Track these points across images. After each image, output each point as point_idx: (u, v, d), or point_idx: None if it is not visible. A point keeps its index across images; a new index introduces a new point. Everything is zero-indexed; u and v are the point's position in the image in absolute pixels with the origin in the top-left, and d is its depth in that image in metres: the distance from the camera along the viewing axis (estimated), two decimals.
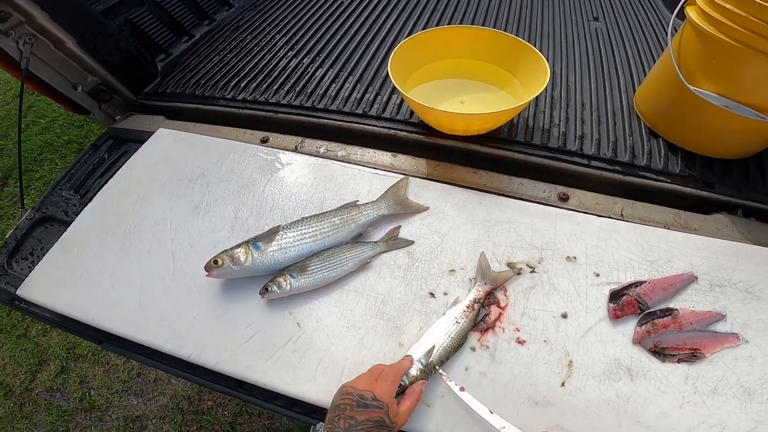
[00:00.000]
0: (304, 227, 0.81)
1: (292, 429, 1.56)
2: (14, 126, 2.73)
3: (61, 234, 0.92)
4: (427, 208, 0.87)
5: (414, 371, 0.66)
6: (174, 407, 1.61)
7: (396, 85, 0.88)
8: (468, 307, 0.73)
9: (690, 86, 0.85)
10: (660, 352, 0.69)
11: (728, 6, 0.76)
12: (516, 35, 0.98)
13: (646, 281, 0.75)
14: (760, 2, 0.71)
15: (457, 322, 0.71)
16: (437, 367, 0.67)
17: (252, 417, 1.59)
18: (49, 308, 0.83)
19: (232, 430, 1.56)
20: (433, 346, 0.68)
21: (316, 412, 0.71)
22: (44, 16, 0.98)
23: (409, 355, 0.68)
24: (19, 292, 0.85)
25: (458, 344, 0.70)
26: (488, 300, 0.75)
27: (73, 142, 2.56)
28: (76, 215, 0.95)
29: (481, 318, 0.74)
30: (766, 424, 0.61)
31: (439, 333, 0.70)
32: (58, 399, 1.66)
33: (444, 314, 0.73)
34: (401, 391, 0.63)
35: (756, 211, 0.87)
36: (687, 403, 0.64)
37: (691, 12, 0.86)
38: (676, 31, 0.93)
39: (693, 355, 0.68)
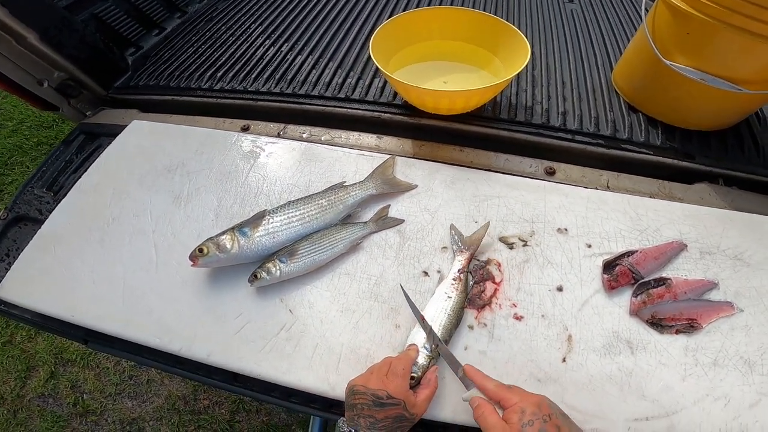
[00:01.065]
0: (291, 210, 0.74)
1: (290, 424, 1.49)
2: None
3: (36, 233, 0.83)
4: (416, 186, 0.82)
5: (422, 359, 0.60)
6: (170, 408, 1.53)
7: (378, 66, 0.82)
8: (455, 279, 0.68)
9: (666, 61, 0.82)
10: (657, 323, 0.65)
11: None
12: None
13: (637, 251, 0.71)
14: None
15: (448, 297, 0.66)
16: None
17: (250, 414, 1.52)
18: (29, 308, 0.76)
19: (231, 429, 1.49)
20: (432, 327, 0.62)
21: (314, 401, 0.66)
22: (4, 12, 0.89)
23: (414, 344, 0.62)
24: None
25: (456, 319, 0.64)
26: (481, 275, 0.70)
27: (43, 143, 2.39)
28: (51, 213, 0.86)
29: (474, 292, 0.68)
30: None
31: (435, 312, 0.64)
32: (51, 405, 1.58)
33: (434, 293, 0.67)
34: (417, 383, 0.58)
35: (736, 179, 0.85)
36: (689, 376, 0.60)
37: None
38: (648, 9, 0.90)
39: (690, 326, 0.64)
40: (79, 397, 1.57)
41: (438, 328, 0.63)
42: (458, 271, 0.69)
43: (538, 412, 0.47)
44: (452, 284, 0.67)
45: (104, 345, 0.75)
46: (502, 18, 0.90)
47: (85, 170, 0.92)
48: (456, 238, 0.73)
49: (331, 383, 0.62)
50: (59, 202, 0.88)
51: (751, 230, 0.74)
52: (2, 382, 1.62)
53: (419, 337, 0.63)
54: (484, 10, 1.25)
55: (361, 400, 0.52)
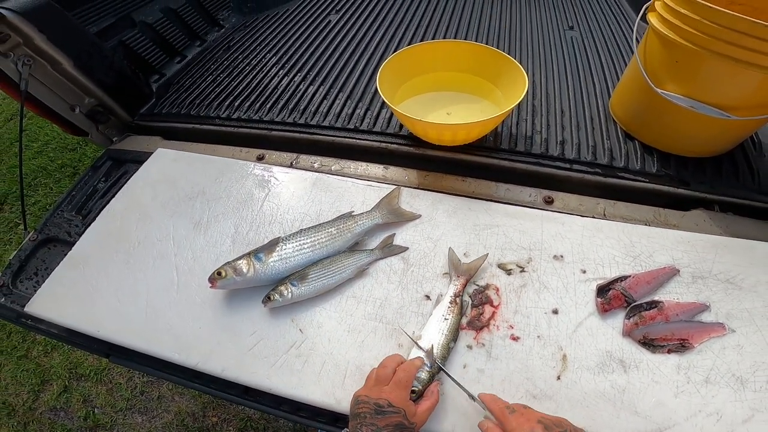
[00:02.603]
0: (302, 238, 0.82)
1: None
2: (7, 150, 2.70)
3: (65, 254, 0.93)
4: (420, 215, 0.89)
5: (423, 374, 0.67)
6: (179, 424, 1.60)
7: (385, 100, 0.90)
8: (451, 303, 0.75)
9: (657, 89, 0.88)
10: (649, 343, 0.70)
11: (683, 11, 0.79)
12: (496, 47, 1.01)
13: (630, 276, 0.77)
14: (712, 6, 0.73)
15: (445, 318, 0.73)
16: (442, 365, 0.69)
17: None
18: (57, 323, 0.84)
19: None
20: (432, 346, 0.69)
21: (321, 416, 0.72)
22: (42, 38, 0.98)
23: (420, 357, 0.68)
24: (27, 308, 0.85)
25: (453, 338, 0.71)
26: (480, 299, 0.77)
27: (66, 166, 2.51)
28: (79, 236, 0.96)
29: (473, 315, 0.75)
30: (763, 412, 0.62)
31: (433, 332, 0.72)
32: (62, 418, 1.65)
33: (431, 314, 0.74)
34: (418, 396, 0.64)
35: (732, 205, 0.90)
36: (681, 393, 0.65)
37: (652, 18, 0.89)
38: (641, 36, 0.96)
39: (682, 345, 0.69)
40: (90, 412, 1.64)
41: (437, 346, 0.70)
42: (454, 294, 0.76)
43: None
44: (449, 307, 0.74)
45: (125, 359, 0.83)
46: (505, 45, 0.97)
47: (112, 195, 1.02)
48: (454, 264, 0.80)
49: (338, 398, 0.68)
50: (88, 225, 0.97)
51: (743, 255, 0.79)
52: (15, 395, 1.70)
53: (420, 354, 0.69)
54: (487, 39, 1.34)
55: (364, 408, 0.58)
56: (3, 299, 0.92)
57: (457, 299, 0.75)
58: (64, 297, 0.86)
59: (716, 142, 0.93)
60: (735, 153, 0.97)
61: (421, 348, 0.70)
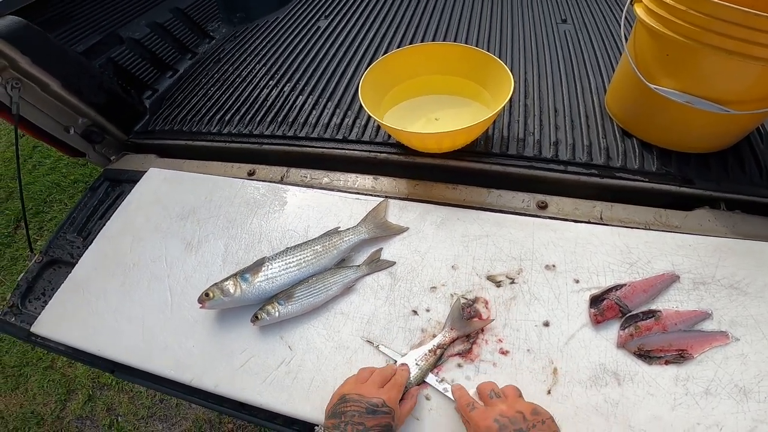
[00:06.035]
0: (288, 257, 0.82)
1: None
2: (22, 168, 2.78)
3: (68, 275, 0.96)
4: (407, 228, 0.88)
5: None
6: (197, 430, 1.64)
7: (367, 110, 0.89)
8: (430, 351, 0.71)
9: (650, 84, 0.83)
10: (645, 355, 0.67)
11: (670, 1, 0.74)
12: (487, 45, 0.98)
13: (625, 284, 0.74)
14: None
15: (417, 364, 0.70)
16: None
17: None
18: (61, 342, 0.88)
19: None
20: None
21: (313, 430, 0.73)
22: (26, 61, 1.00)
23: (405, 364, 0.69)
24: (33, 329, 0.89)
25: (423, 378, 0.70)
26: (469, 312, 0.75)
27: (79, 181, 2.59)
28: (80, 257, 0.99)
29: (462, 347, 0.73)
30: (767, 423, 0.60)
31: None
32: (89, 426, 1.71)
33: (406, 354, 0.72)
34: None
35: (740, 203, 0.85)
36: (679, 405, 0.62)
37: (638, 9, 0.84)
38: (629, 25, 0.90)
39: (680, 356, 0.66)
40: (114, 420, 1.70)
41: None
42: (436, 345, 0.72)
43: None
44: (425, 355, 0.71)
45: (128, 375, 0.85)
46: (496, 43, 0.93)
47: (109, 217, 1.05)
48: (453, 317, 0.75)
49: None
50: (87, 247, 1.00)
51: (749, 258, 0.75)
52: (43, 404, 1.78)
53: (410, 358, 0.70)
54: (478, 35, 1.31)
55: (354, 407, 0.57)
56: (13, 319, 0.96)
57: (437, 351, 0.72)
58: (66, 318, 0.89)
59: (718, 137, 0.88)
60: (740, 147, 0.92)
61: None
